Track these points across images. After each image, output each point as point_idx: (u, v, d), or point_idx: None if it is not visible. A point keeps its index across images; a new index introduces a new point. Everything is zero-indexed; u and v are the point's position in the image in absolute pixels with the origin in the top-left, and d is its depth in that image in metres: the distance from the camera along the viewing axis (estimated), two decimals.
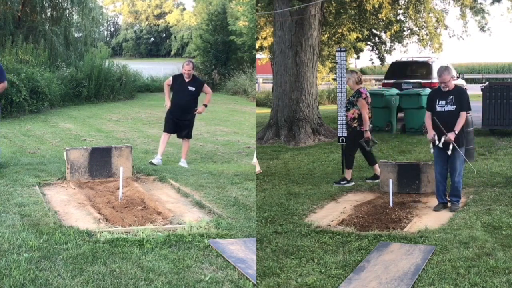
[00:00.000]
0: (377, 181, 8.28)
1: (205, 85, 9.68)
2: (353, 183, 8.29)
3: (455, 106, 6.78)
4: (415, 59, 17.78)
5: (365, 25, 16.90)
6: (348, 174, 8.41)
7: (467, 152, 9.42)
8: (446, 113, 6.80)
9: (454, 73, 18.45)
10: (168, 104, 9.30)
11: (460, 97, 6.83)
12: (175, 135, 9.58)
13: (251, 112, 18.04)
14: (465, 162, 7.14)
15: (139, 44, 72.35)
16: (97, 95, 20.11)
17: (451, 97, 6.81)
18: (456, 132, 6.72)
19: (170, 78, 9.58)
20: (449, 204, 6.87)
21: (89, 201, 6.62)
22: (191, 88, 9.27)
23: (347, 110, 8.49)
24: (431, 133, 6.89)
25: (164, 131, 9.45)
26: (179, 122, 9.36)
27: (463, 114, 6.78)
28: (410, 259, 4.99)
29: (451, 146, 6.71)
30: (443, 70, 6.91)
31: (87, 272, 4.34)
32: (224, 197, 6.76)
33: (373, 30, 18.71)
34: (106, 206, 6.44)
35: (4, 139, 11.84)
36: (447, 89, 6.85)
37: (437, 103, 6.88)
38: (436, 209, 6.84)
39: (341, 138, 9.38)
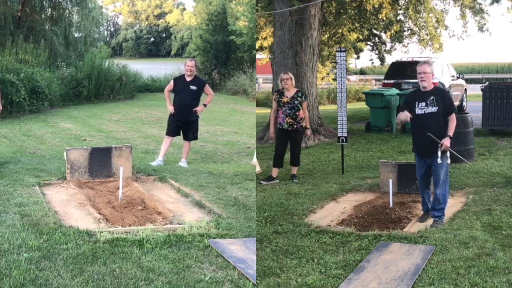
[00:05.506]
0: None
1: (207, 85, 9.63)
2: (278, 181, 8.61)
3: (437, 108, 6.13)
4: (415, 59, 17.78)
5: (365, 25, 16.89)
6: (275, 172, 8.73)
7: (468, 152, 9.46)
8: (427, 115, 6.16)
9: (454, 73, 18.51)
10: (171, 109, 9.25)
11: (442, 99, 6.18)
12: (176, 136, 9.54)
13: (251, 112, 18.03)
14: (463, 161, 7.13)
15: (139, 44, 72.31)
16: (97, 95, 20.09)
17: (432, 97, 6.16)
18: (451, 135, 6.10)
19: (171, 82, 9.49)
20: (430, 221, 6.20)
21: (89, 201, 6.62)
22: (193, 87, 9.21)
23: (298, 110, 8.55)
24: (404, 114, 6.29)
25: (167, 134, 9.34)
26: (184, 124, 9.27)
27: (453, 117, 6.17)
28: (410, 259, 4.99)
29: (448, 154, 6.11)
30: (423, 62, 6.42)
31: (87, 272, 4.35)
32: (224, 197, 6.75)
33: (373, 30, 18.71)
34: (106, 206, 6.44)
35: (4, 139, 11.85)
36: (425, 84, 6.18)
37: (416, 106, 6.21)
38: (421, 220, 6.28)
39: (341, 138, 9.39)
